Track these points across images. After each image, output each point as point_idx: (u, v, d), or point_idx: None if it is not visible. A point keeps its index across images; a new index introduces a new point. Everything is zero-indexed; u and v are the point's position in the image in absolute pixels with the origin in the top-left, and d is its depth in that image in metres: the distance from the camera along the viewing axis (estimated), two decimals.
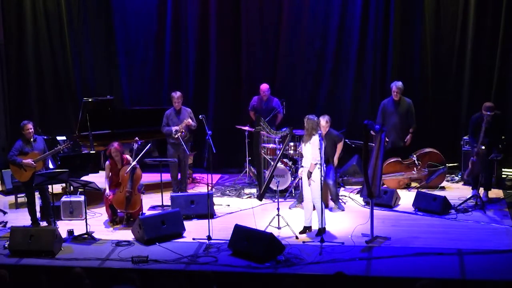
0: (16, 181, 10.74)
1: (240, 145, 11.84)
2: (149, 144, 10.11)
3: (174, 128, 10.50)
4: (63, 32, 12.61)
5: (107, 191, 9.57)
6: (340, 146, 10.00)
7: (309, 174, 8.81)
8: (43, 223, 9.67)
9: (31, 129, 9.42)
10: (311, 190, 8.89)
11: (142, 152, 9.78)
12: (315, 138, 8.78)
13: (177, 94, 10.61)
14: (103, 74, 12.86)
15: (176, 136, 10.46)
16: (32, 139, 9.45)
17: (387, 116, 10.84)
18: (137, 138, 9.79)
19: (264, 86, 11.46)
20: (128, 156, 9.73)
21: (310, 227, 9.09)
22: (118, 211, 9.69)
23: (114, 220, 9.68)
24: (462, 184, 11.19)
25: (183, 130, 10.48)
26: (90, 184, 9.24)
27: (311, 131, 8.83)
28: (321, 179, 8.71)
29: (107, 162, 9.72)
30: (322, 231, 8.79)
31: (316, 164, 8.74)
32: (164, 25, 12.47)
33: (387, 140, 10.60)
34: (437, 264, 7.89)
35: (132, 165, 9.52)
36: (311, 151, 8.78)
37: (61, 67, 12.74)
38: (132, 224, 9.27)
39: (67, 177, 9.37)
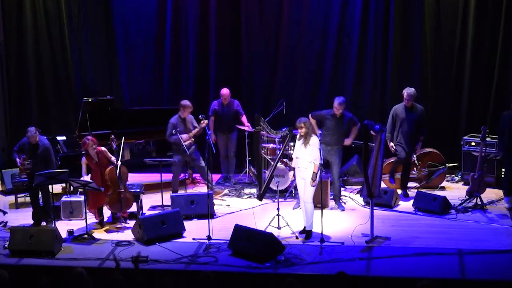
0: (17, 180, 10.78)
1: (240, 145, 11.84)
2: (123, 137, 9.93)
3: (184, 136, 10.40)
4: (63, 32, 12.60)
5: (88, 179, 9.46)
6: (355, 130, 10.05)
7: (314, 176, 8.72)
8: (43, 223, 9.67)
9: (36, 139, 9.50)
10: (305, 190, 8.83)
11: (121, 148, 9.69)
12: (315, 139, 8.77)
13: (189, 104, 10.57)
14: (103, 74, 12.85)
15: (188, 143, 10.43)
16: (37, 144, 9.53)
17: (398, 123, 10.32)
18: (112, 136, 9.65)
19: (225, 91, 11.34)
20: (103, 148, 9.57)
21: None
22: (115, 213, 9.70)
23: (101, 222, 9.69)
24: (462, 184, 11.18)
25: (192, 139, 10.51)
26: (90, 184, 9.24)
27: (311, 133, 8.79)
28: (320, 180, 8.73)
29: (83, 159, 9.56)
30: (309, 234, 8.83)
31: (318, 164, 8.74)
32: (164, 25, 12.47)
33: (395, 149, 10.40)
34: (437, 264, 7.90)
35: (118, 165, 9.46)
36: (310, 152, 8.73)
37: (61, 67, 12.73)
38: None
39: (67, 177, 9.37)
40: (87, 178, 9.54)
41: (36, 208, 9.63)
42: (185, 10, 12.41)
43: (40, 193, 9.69)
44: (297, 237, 8.88)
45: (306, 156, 8.76)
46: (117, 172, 9.40)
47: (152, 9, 12.51)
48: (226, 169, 11.71)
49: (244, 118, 11.48)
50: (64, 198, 10.05)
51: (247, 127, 11.31)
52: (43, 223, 9.65)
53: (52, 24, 12.63)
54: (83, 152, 9.57)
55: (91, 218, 9.71)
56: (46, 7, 12.60)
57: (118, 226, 9.55)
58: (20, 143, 9.65)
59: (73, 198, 9.99)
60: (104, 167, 9.49)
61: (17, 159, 9.57)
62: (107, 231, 9.45)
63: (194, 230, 9.27)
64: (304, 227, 9.05)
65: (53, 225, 9.26)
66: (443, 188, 11.02)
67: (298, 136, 8.98)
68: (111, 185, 9.45)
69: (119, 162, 9.43)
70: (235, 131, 11.56)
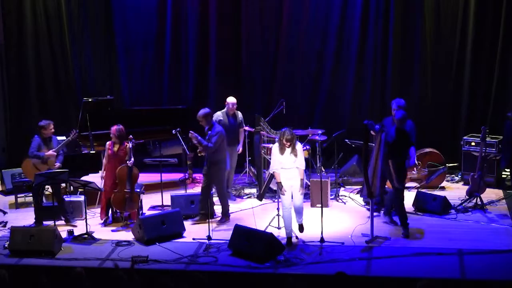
0: (17, 180, 10.80)
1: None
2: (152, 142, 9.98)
3: None
4: (63, 32, 12.60)
5: (102, 173, 9.60)
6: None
7: (303, 182, 8.62)
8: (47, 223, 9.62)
9: (52, 129, 9.68)
10: (299, 198, 8.64)
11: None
12: (300, 146, 8.71)
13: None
14: (103, 74, 12.86)
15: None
16: (49, 139, 9.70)
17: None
18: (131, 136, 9.69)
19: (233, 100, 10.60)
20: (129, 143, 9.59)
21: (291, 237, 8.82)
22: (117, 211, 9.70)
23: (106, 221, 9.68)
24: (462, 184, 11.18)
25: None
26: (90, 184, 9.24)
27: (295, 141, 8.63)
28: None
29: (108, 142, 9.64)
30: (301, 226, 8.83)
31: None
32: (164, 25, 12.48)
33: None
34: (437, 264, 7.90)
35: (131, 165, 9.47)
36: (299, 159, 8.58)
37: (61, 67, 12.73)
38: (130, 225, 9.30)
39: (67, 177, 9.38)
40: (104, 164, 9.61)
41: (39, 210, 9.61)
42: (185, 10, 12.41)
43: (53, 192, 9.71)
44: (297, 238, 8.86)
45: (296, 164, 8.58)
46: (128, 172, 9.42)
47: (152, 9, 12.51)
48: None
49: (243, 130, 10.96)
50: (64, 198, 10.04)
51: (247, 126, 11.15)
52: (50, 222, 9.59)
53: (52, 24, 12.63)
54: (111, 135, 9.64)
55: (91, 218, 9.73)
56: (46, 8, 12.60)
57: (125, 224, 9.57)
58: (35, 144, 9.67)
59: (73, 198, 9.98)
60: (119, 160, 9.51)
61: (49, 152, 9.60)
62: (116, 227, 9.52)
63: (194, 230, 9.27)
64: (299, 225, 8.89)
65: (72, 222, 9.36)
66: (443, 188, 11.01)
67: (278, 149, 8.60)
68: (119, 183, 9.48)
69: (132, 161, 9.44)
70: (238, 144, 10.88)
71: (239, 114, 10.79)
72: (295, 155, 8.58)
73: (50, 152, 9.62)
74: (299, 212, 8.82)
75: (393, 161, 8.75)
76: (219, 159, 9.53)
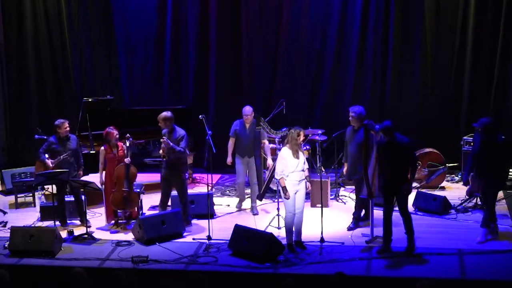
0: (17, 180, 10.80)
1: None
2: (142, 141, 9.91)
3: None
4: (63, 32, 12.61)
5: (102, 178, 9.53)
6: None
7: (309, 178, 8.51)
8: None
9: (67, 127, 9.54)
10: (301, 200, 8.47)
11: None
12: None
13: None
14: (103, 74, 12.86)
15: None
16: (66, 138, 9.57)
17: (347, 144, 9.37)
18: (128, 135, 9.62)
19: (248, 110, 9.99)
20: (122, 143, 9.59)
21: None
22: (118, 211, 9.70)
23: (117, 222, 9.62)
24: (462, 184, 11.17)
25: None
26: (90, 184, 9.23)
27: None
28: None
29: (102, 148, 9.56)
30: (302, 244, 8.53)
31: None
32: (164, 25, 12.48)
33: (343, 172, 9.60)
34: (437, 264, 7.90)
35: (128, 163, 9.46)
36: (304, 160, 8.48)
37: (61, 67, 12.74)
38: (131, 224, 9.29)
39: (67, 177, 9.37)
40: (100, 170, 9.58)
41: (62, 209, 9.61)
42: (185, 10, 12.42)
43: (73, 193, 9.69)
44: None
45: (303, 165, 8.42)
46: (125, 170, 9.42)
47: (152, 9, 12.52)
48: (243, 195, 10.46)
49: (266, 145, 10.31)
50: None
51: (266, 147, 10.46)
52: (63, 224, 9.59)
53: (52, 24, 12.64)
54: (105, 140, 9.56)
55: (91, 218, 9.74)
56: (46, 8, 12.61)
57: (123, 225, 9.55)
58: (47, 143, 9.57)
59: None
60: (120, 160, 9.49)
61: (47, 160, 9.44)
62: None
63: (194, 230, 9.27)
64: (296, 241, 8.58)
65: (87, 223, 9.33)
66: (443, 188, 11.01)
67: (291, 152, 8.30)
68: (117, 183, 9.47)
69: (128, 159, 9.43)
70: (258, 157, 10.17)
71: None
72: (303, 155, 8.48)
73: (48, 163, 9.43)
74: (298, 224, 8.51)
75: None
76: (182, 163, 9.44)
